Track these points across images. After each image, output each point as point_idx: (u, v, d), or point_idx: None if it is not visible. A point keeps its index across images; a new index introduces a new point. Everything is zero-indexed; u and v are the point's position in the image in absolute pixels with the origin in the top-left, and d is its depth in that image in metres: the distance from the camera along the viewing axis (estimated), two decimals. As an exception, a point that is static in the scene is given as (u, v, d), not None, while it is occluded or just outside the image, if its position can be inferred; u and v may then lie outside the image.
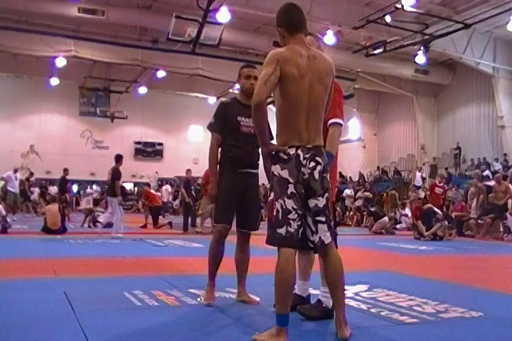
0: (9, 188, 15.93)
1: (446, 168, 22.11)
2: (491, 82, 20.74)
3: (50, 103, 27.35)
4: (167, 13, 16.28)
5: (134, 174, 27.85)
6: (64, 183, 16.79)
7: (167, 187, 22.96)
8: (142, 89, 25.17)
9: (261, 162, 3.42)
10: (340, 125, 3.61)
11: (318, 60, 3.11)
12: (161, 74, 22.32)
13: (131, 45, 19.67)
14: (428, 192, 15.34)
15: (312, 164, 3.01)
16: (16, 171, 16.11)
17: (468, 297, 4.60)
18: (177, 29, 15.15)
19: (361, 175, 25.42)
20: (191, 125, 29.31)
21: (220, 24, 15.01)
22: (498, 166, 19.42)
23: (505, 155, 20.13)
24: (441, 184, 14.13)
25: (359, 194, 19.78)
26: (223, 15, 14.60)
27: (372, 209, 15.17)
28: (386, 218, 14.70)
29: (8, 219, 12.85)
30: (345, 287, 4.67)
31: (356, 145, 28.34)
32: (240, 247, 4.08)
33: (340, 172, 27.11)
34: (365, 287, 4.80)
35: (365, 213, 17.16)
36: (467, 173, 20.40)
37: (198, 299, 4.00)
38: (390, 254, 8.95)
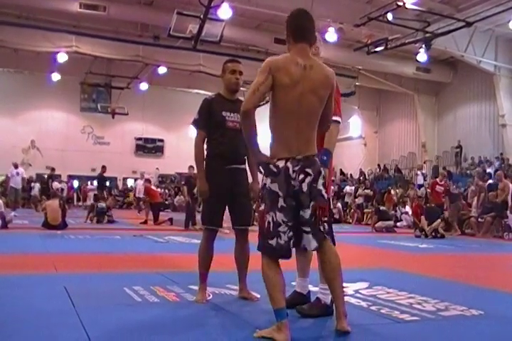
0: (11, 184, 15.97)
1: (444, 168, 22.08)
2: (493, 80, 20.69)
3: (51, 99, 27.35)
4: (168, 9, 16.26)
5: (134, 170, 27.86)
6: (102, 180, 16.97)
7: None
8: (143, 86, 25.15)
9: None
10: (338, 122, 3.59)
11: (314, 70, 3.09)
12: (162, 70, 22.28)
13: (133, 41, 19.63)
14: (429, 191, 15.31)
15: (301, 176, 3.00)
16: (16, 166, 16.09)
17: (469, 295, 4.60)
18: (178, 25, 15.12)
19: (362, 173, 25.42)
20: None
21: (221, 21, 14.98)
22: (496, 165, 19.43)
23: (501, 154, 20.14)
24: (442, 182, 14.09)
25: (359, 191, 19.81)
26: (224, 11, 14.56)
27: (381, 208, 15.18)
28: (392, 222, 14.77)
29: (12, 214, 12.86)
30: (346, 284, 4.67)
31: (357, 143, 28.33)
32: (239, 244, 4.06)
33: (341, 170, 27.17)
34: (365, 284, 4.79)
35: (371, 210, 17.11)
36: (468, 172, 20.39)
37: (190, 299, 3.98)
38: (390, 252, 8.95)
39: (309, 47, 3.18)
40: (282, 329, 2.88)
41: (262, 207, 3.07)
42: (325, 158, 3.39)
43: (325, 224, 3.13)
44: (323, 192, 3.09)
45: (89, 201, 20.73)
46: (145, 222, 14.34)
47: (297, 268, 3.79)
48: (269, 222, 2.99)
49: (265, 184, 3.04)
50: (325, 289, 3.56)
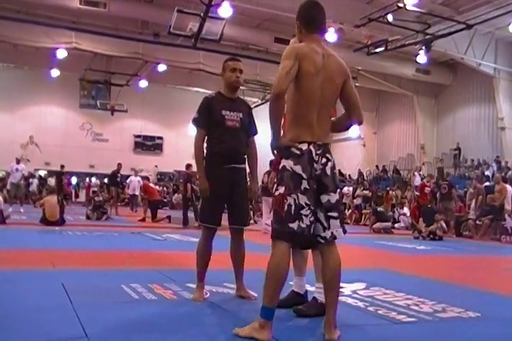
0: (11, 179, 15.97)
1: (441, 168, 22.11)
2: (492, 83, 20.73)
3: (51, 94, 27.33)
4: (169, 6, 16.24)
5: (133, 167, 27.82)
6: (114, 177, 17.17)
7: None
8: (143, 83, 25.14)
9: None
10: None
11: (331, 59, 3.13)
12: (161, 68, 22.28)
13: (133, 38, 19.59)
14: (417, 193, 15.57)
15: (324, 160, 3.02)
16: (18, 162, 16.09)
17: (466, 297, 4.61)
18: (178, 23, 15.10)
19: (360, 174, 25.44)
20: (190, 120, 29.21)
21: (221, 19, 14.97)
22: (495, 168, 19.47)
23: (497, 157, 20.18)
24: (429, 183, 14.45)
25: (358, 192, 19.84)
26: (225, 10, 14.57)
27: (378, 209, 15.20)
28: (389, 223, 14.80)
29: (10, 209, 12.84)
30: (343, 284, 4.66)
31: (356, 144, 28.36)
32: (235, 243, 4.06)
33: (339, 170, 27.18)
34: (362, 285, 4.80)
35: (369, 211, 17.15)
36: (466, 174, 20.41)
37: (188, 297, 3.98)
38: (388, 253, 8.96)
39: (321, 37, 3.22)
40: (265, 328, 2.84)
41: (282, 191, 2.97)
42: None
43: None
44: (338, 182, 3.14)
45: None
46: (143, 220, 14.34)
47: (294, 267, 3.76)
48: (289, 205, 2.93)
49: (285, 166, 3.00)
50: (321, 288, 3.56)
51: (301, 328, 3.29)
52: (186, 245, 8.39)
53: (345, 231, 3.12)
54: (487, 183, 15.09)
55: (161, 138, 30.49)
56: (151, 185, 16.92)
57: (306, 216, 2.94)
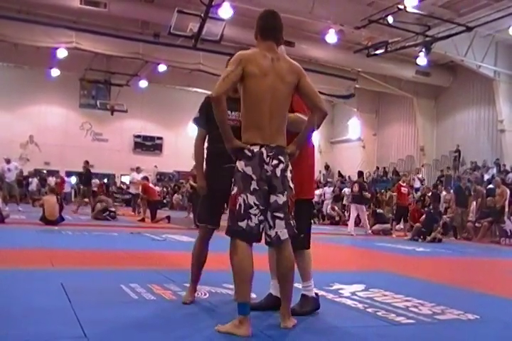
0: (5, 179, 15.93)
1: (442, 170, 22.11)
2: (492, 85, 20.72)
3: (51, 94, 27.29)
4: (169, 7, 16.23)
5: (132, 167, 27.83)
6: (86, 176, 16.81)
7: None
8: (143, 83, 25.13)
9: None
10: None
11: (281, 61, 3.24)
12: (161, 68, 22.28)
13: (133, 39, 19.59)
14: (394, 193, 15.79)
15: (275, 162, 3.12)
16: (8, 162, 16.01)
17: (465, 299, 4.62)
18: (179, 24, 15.11)
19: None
20: (191, 120, 29.12)
21: (222, 20, 14.98)
22: (494, 170, 19.48)
23: (497, 159, 20.18)
24: (405, 183, 14.68)
25: (358, 194, 19.78)
26: (225, 11, 14.57)
27: (378, 211, 15.22)
28: (389, 225, 14.82)
29: (7, 209, 12.85)
30: (342, 286, 4.74)
31: (356, 145, 28.36)
32: None
33: (339, 172, 27.21)
34: (362, 287, 4.80)
35: (368, 213, 17.14)
36: (466, 176, 20.39)
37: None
38: (387, 255, 8.97)
39: (276, 46, 3.32)
40: (244, 323, 2.96)
41: (235, 191, 3.14)
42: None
43: (293, 220, 3.21)
44: (292, 185, 3.20)
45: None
46: (142, 220, 14.32)
47: (270, 269, 3.74)
48: (240, 205, 3.09)
49: (238, 168, 3.14)
50: (306, 287, 3.63)
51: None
52: (186, 245, 8.35)
53: (293, 232, 3.19)
54: (491, 186, 15.11)
55: (160, 138, 30.46)
56: (151, 185, 16.87)
57: (255, 215, 3.07)
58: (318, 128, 3.45)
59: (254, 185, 3.06)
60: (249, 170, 3.08)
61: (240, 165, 3.13)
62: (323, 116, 3.28)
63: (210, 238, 3.96)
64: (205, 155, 4.01)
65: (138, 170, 17.66)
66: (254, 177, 3.07)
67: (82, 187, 17.24)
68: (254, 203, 3.06)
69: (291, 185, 3.19)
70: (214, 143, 3.96)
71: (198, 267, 3.95)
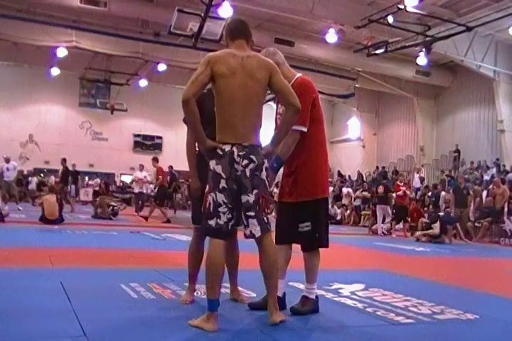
0: (5, 178, 15.91)
1: (443, 171, 22.12)
2: (492, 85, 20.74)
3: (50, 93, 27.28)
4: (169, 6, 16.24)
5: (132, 166, 27.84)
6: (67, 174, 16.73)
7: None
8: (143, 82, 25.13)
9: None
10: (299, 131, 3.53)
11: (251, 59, 3.24)
12: (161, 67, 22.27)
13: (133, 38, 19.61)
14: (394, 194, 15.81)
15: (245, 162, 3.13)
16: (8, 161, 15.96)
17: (465, 299, 4.62)
18: (179, 23, 15.11)
19: (360, 175, 25.41)
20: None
21: (222, 19, 14.97)
22: (494, 170, 19.48)
23: (497, 160, 20.18)
24: (402, 183, 14.71)
25: (357, 193, 19.84)
26: (225, 10, 14.56)
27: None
28: (389, 225, 14.79)
29: (6, 207, 12.84)
30: (341, 285, 4.73)
31: (356, 145, 28.39)
32: (228, 243, 4.02)
33: (338, 171, 27.21)
34: (361, 286, 4.81)
35: (368, 212, 17.17)
36: (465, 176, 20.39)
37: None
38: (386, 254, 8.98)
39: (247, 43, 3.34)
40: (211, 319, 3.05)
41: (206, 189, 3.19)
42: (275, 165, 3.48)
43: (268, 216, 3.24)
44: (267, 183, 3.21)
45: (87, 197, 20.56)
46: (146, 219, 14.14)
47: None
48: (209, 203, 3.13)
49: (210, 167, 3.17)
50: (309, 289, 3.64)
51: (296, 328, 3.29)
52: (185, 245, 8.33)
53: (267, 229, 3.21)
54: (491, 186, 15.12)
55: (160, 137, 30.43)
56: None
57: (224, 213, 3.11)
58: (297, 124, 3.42)
59: (223, 184, 3.10)
60: (219, 169, 3.12)
61: (211, 163, 3.17)
62: (296, 111, 3.23)
63: (205, 238, 3.94)
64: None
65: (141, 168, 17.54)
66: (223, 175, 3.10)
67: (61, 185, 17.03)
68: (223, 201, 3.10)
69: (266, 184, 3.21)
70: None
71: (195, 267, 3.93)
